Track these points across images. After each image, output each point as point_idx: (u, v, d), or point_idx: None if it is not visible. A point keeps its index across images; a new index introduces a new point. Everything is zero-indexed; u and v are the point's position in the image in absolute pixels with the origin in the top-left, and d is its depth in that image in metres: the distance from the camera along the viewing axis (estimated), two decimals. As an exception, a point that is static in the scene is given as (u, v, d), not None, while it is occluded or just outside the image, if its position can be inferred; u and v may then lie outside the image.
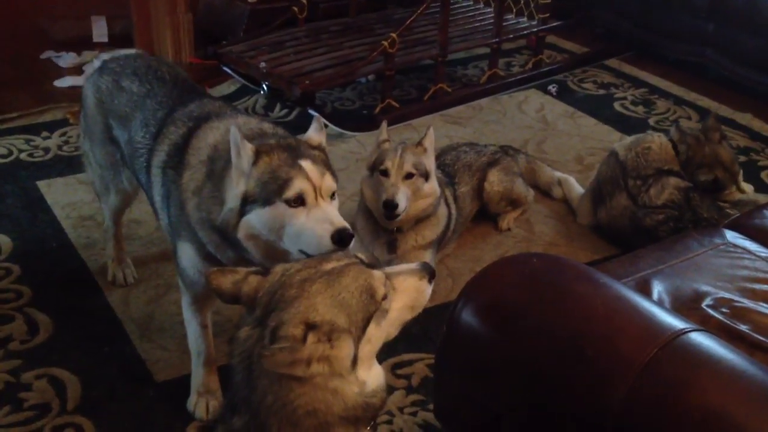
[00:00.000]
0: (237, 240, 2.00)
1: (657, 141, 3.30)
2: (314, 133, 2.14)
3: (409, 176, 2.81)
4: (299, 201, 1.94)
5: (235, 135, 1.94)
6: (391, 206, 2.78)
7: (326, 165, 2.04)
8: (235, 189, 1.97)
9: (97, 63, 2.73)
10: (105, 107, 2.53)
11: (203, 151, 2.11)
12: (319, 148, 2.08)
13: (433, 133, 2.92)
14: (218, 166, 2.05)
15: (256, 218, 1.96)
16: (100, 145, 2.61)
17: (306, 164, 1.97)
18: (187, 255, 2.18)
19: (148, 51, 4.38)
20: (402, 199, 2.78)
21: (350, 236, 1.93)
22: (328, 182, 1.99)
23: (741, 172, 3.48)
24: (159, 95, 2.40)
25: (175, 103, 2.34)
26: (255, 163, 1.95)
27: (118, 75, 2.53)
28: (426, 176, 2.85)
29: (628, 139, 3.40)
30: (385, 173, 2.82)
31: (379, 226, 2.93)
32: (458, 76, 4.84)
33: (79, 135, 2.88)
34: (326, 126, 3.91)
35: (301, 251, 1.94)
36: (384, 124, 3.02)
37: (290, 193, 1.93)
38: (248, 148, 1.94)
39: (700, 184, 3.29)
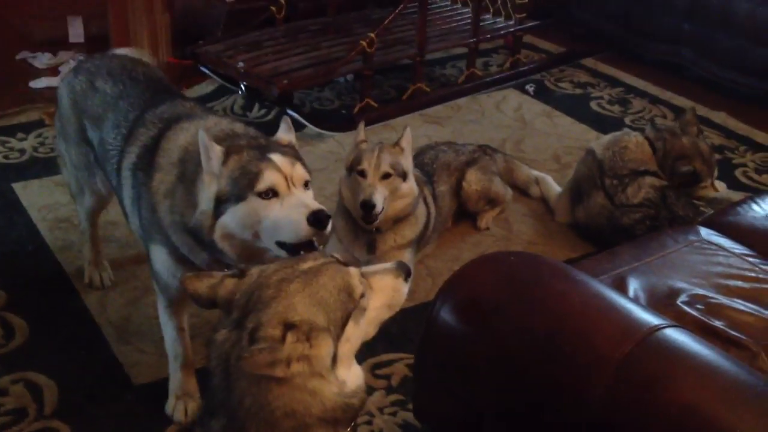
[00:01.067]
0: (211, 242, 1.98)
1: (634, 140, 3.31)
2: (283, 134, 2.14)
3: (386, 176, 2.81)
4: (272, 192, 1.94)
5: (203, 138, 1.94)
6: (368, 207, 2.77)
7: (296, 157, 2.03)
8: (208, 191, 1.96)
9: (73, 63, 2.71)
10: (79, 107, 2.51)
11: (173, 153, 2.10)
12: (288, 146, 2.08)
13: (411, 133, 2.93)
14: (189, 168, 2.04)
15: (231, 217, 1.95)
16: (74, 146, 2.59)
17: (275, 156, 1.97)
18: (160, 258, 2.17)
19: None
20: (379, 199, 2.78)
21: (327, 217, 1.92)
22: (299, 171, 1.99)
23: (716, 169, 3.51)
24: (132, 96, 2.38)
25: (147, 104, 2.32)
26: (224, 162, 1.94)
27: (93, 75, 2.50)
28: (404, 176, 2.85)
29: (606, 138, 3.41)
30: (363, 174, 2.81)
31: (358, 227, 2.93)
32: (437, 76, 4.85)
33: (55, 136, 2.85)
34: (304, 127, 3.96)
35: (280, 245, 1.93)
36: (361, 125, 3.02)
37: (262, 185, 1.93)
38: (217, 150, 1.94)
39: (678, 176, 3.29)
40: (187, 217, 2.02)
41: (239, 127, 2.16)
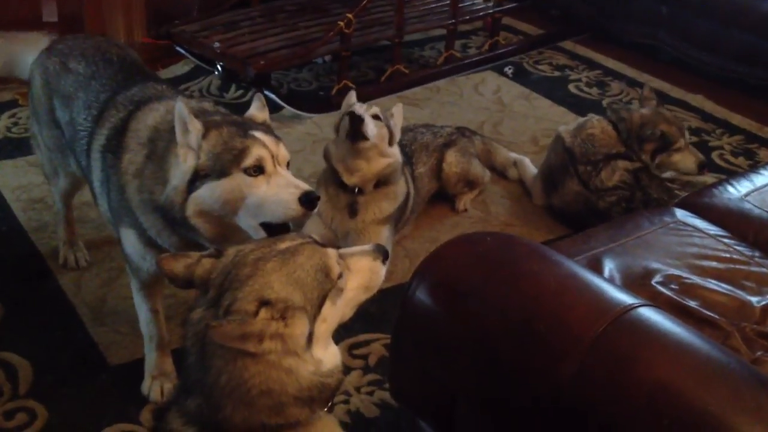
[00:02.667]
0: (183, 220, 1.96)
1: (598, 126, 3.30)
2: (257, 111, 2.12)
3: (375, 117, 2.80)
4: (258, 170, 1.92)
5: (181, 110, 1.91)
6: (356, 118, 2.72)
7: (277, 136, 2.03)
8: (183, 165, 1.94)
9: (46, 43, 2.67)
10: (51, 88, 2.48)
11: (142, 133, 2.08)
12: (264, 124, 2.07)
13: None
14: (160, 146, 2.02)
15: (209, 192, 1.93)
16: (47, 127, 2.56)
17: (258, 134, 1.96)
18: (129, 241, 2.15)
19: (99, 32, 4.31)
20: (369, 122, 2.74)
21: (317, 198, 1.93)
22: (283, 150, 1.99)
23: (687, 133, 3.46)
24: (104, 77, 2.35)
25: (119, 86, 2.30)
26: (204, 136, 1.92)
27: (66, 56, 2.47)
28: (391, 136, 2.85)
29: (572, 125, 3.39)
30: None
31: (340, 191, 2.91)
32: (415, 58, 4.83)
33: (29, 116, 2.82)
34: (281, 108, 3.94)
35: (263, 224, 1.92)
36: (352, 93, 2.99)
37: (249, 161, 1.91)
38: (196, 122, 1.92)
39: (648, 143, 3.26)
40: (157, 194, 2.00)
41: (208, 105, 2.16)
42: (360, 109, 2.77)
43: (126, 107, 2.19)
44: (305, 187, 1.94)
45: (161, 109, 2.11)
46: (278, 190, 1.92)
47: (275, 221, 1.92)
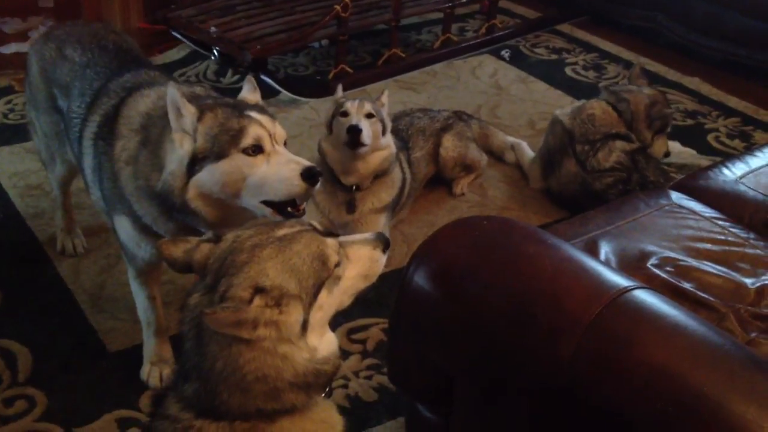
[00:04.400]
0: (182, 205, 1.96)
1: (598, 106, 3.31)
2: (248, 94, 2.12)
3: (369, 116, 2.82)
4: (257, 149, 1.92)
5: (173, 95, 1.90)
6: (355, 130, 2.75)
7: (272, 115, 2.02)
8: (179, 150, 1.93)
9: (42, 29, 2.66)
10: (48, 76, 2.47)
11: (135, 120, 2.07)
12: (257, 106, 2.06)
13: (388, 95, 2.97)
14: (153, 132, 2.01)
15: (209, 175, 1.92)
16: (44, 114, 2.55)
17: (254, 113, 1.95)
18: (124, 228, 2.15)
19: (95, 16, 4.30)
20: (366, 126, 2.78)
21: (319, 173, 1.92)
22: (280, 129, 1.98)
23: None
24: (98, 65, 2.34)
25: (112, 73, 2.29)
26: (200, 119, 1.91)
27: (63, 43, 2.46)
28: (383, 129, 2.87)
29: (569, 108, 3.40)
30: (346, 114, 2.82)
31: (337, 188, 2.92)
32: (412, 42, 4.82)
33: (25, 102, 2.81)
34: (278, 93, 3.93)
35: (265, 202, 1.92)
36: (339, 87, 3.04)
37: (247, 141, 1.90)
38: (190, 106, 1.91)
39: (659, 122, 3.29)
40: (154, 181, 1.99)
41: (200, 90, 2.15)
42: (356, 116, 2.79)
43: (118, 94, 2.18)
44: (306, 162, 1.93)
45: (153, 95, 2.10)
46: (279, 167, 1.91)
47: (279, 199, 1.92)
